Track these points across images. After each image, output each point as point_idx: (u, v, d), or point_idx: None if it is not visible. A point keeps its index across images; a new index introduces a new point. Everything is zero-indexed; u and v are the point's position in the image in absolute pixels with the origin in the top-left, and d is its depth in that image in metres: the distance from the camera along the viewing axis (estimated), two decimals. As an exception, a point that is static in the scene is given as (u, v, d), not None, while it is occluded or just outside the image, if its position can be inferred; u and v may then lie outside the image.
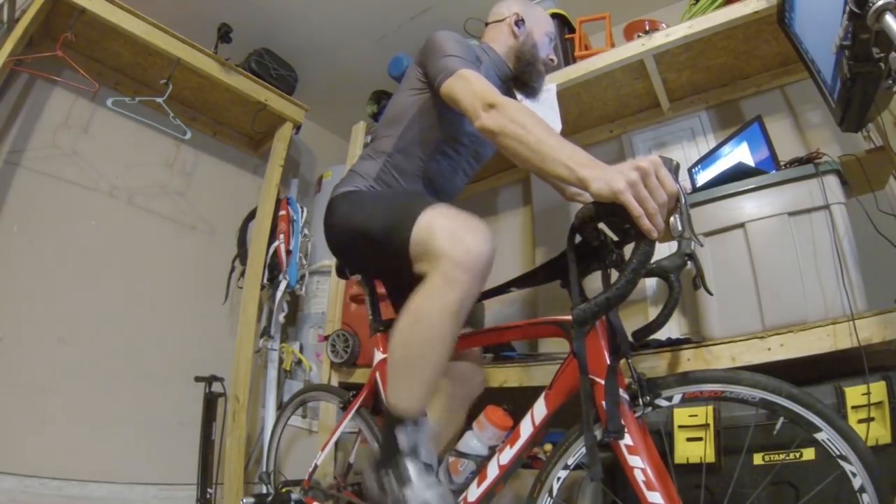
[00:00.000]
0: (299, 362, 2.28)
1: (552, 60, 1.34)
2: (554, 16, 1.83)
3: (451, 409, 1.31)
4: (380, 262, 1.15)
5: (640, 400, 0.89)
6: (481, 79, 1.02)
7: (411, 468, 0.91)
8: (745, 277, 1.21)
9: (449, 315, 0.86)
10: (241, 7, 2.26)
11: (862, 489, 0.76)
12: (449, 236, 0.86)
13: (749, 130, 1.49)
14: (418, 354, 0.90)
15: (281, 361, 2.31)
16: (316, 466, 1.45)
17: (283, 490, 1.47)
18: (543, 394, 0.98)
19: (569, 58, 1.92)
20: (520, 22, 1.33)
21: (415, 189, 1.26)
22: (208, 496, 1.98)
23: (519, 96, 1.42)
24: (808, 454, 0.97)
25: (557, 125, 1.72)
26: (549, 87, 1.75)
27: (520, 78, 1.33)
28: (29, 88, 1.96)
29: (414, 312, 0.89)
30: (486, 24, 1.41)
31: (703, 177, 1.61)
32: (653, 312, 1.71)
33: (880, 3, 0.65)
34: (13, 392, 1.76)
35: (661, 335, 1.21)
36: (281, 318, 2.29)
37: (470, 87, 1.00)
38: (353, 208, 1.14)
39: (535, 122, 0.87)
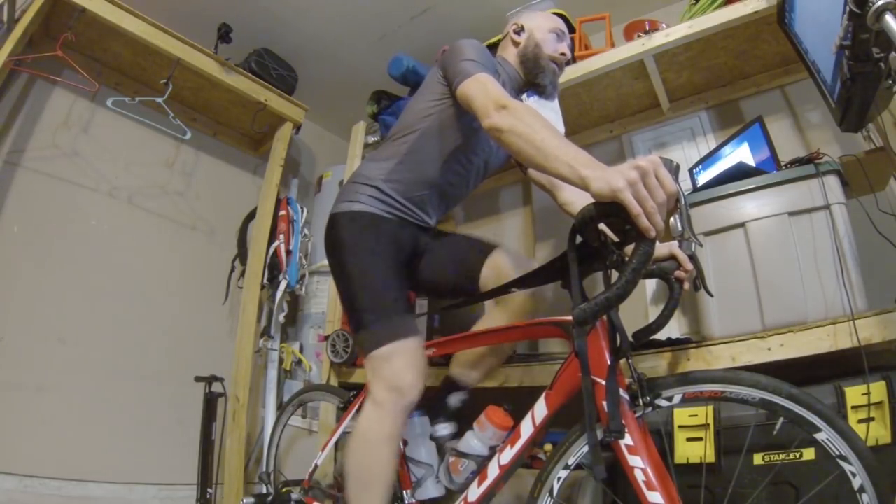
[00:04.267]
0: (299, 362, 2.28)
1: (563, 55, 1.33)
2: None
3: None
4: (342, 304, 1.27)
5: (641, 400, 0.89)
6: (496, 83, 1.05)
7: None
8: (746, 277, 1.21)
9: (387, 440, 1.05)
10: (241, 7, 2.25)
11: (862, 489, 0.76)
12: (389, 387, 1.05)
13: (750, 131, 1.49)
14: (369, 474, 1.07)
15: (281, 361, 2.31)
16: (316, 466, 1.45)
17: (283, 490, 1.47)
18: (544, 394, 0.98)
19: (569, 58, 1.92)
20: (519, 30, 1.36)
21: (418, 202, 1.27)
22: (208, 496, 1.98)
23: (532, 99, 1.43)
24: (808, 454, 0.98)
25: (560, 128, 1.73)
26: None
27: (528, 79, 1.33)
28: (29, 88, 1.96)
29: (362, 437, 1.08)
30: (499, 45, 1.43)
31: (704, 177, 1.61)
32: (653, 313, 1.71)
33: (880, 3, 0.65)
34: (13, 392, 1.76)
35: (662, 335, 1.21)
36: (281, 318, 2.29)
37: (484, 89, 1.03)
38: (349, 249, 1.18)
39: (542, 123, 0.90)
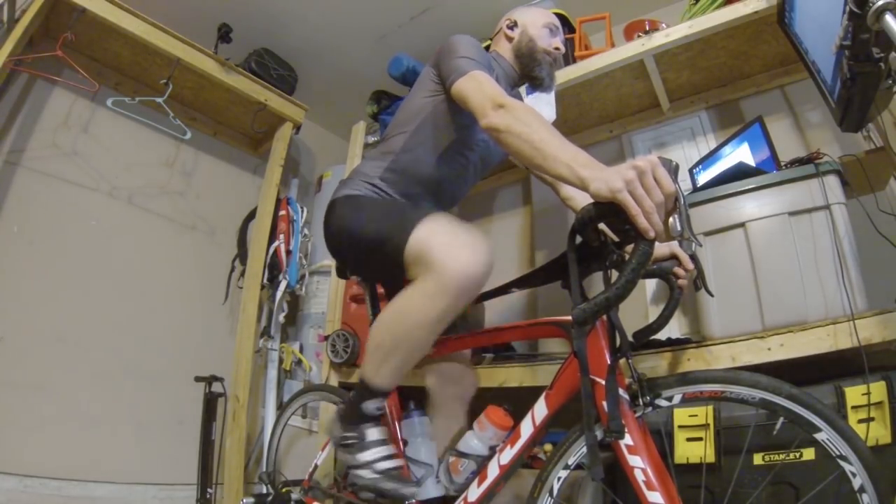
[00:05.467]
0: (299, 362, 2.28)
1: (557, 49, 1.33)
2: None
3: (447, 410, 1.31)
4: (376, 266, 1.18)
5: (641, 400, 0.89)
6: (492, 81, 1.05)
7: (369, 434, 1.06)
8: (746, 277, 1.21)
9: (430, 322, 0.91)
10: (241, 7, 2.26)
11: (862, 489, 0.76)
12: (445, 250, 0.88)
13: (750, 131, 1.49)
14: (395, 345, 0.97)
15: (281, 361, 2.31)
16: (316, 466, 1.45)
17: (283, 490, 1.47)
18: (544, 394, 0.98)
19: (569, 58, 1.92)
20: (512, 25, 1.36)
21: (415, 200, 1.27)
22: (208, 496, 1.98)
23: (529, 96, 1.43)
24: (808, 454, 0.97)
25: (552, 115, 1.72)
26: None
27: (525, 74, 1.33)
28: (29, 88, 1.96)
29: (400, 309, 0.96)
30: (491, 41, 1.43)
31: (704, 177, 1.61)
32: (653, 313, 1.71)
33: (880, 3, 0.65)
34: (13, 392, 1.76)
35: (662, 335, 1.21)
36: (281, 318, 2.29)
37: (480, 87, 1.02)
38: (352, 213, 1.15)
39: (541, 123, 0.89)
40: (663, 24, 1.69)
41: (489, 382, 1.52)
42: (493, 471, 1.02)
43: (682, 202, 0.71)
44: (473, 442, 1.14)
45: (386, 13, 2.31)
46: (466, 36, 1.19)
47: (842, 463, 0.78)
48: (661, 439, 1.03)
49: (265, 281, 2.24)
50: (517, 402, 1.14)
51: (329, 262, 2.27)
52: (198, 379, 2.10)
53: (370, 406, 1.06)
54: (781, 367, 1.09)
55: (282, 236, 2.31)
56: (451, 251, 0.88)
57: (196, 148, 2.45)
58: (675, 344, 1.30)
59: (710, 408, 1.07)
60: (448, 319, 0.92)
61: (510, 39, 1.35)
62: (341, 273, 1.36)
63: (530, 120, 0.89)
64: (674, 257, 1.09)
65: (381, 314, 1.02)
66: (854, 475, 0.77)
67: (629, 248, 0.75)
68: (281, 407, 1.90)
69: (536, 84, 1.34)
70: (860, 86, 0.83)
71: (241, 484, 1.99)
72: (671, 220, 0.72)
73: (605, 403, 0.85)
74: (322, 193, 2.56)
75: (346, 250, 1.22)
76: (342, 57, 2.58)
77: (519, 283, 1.09)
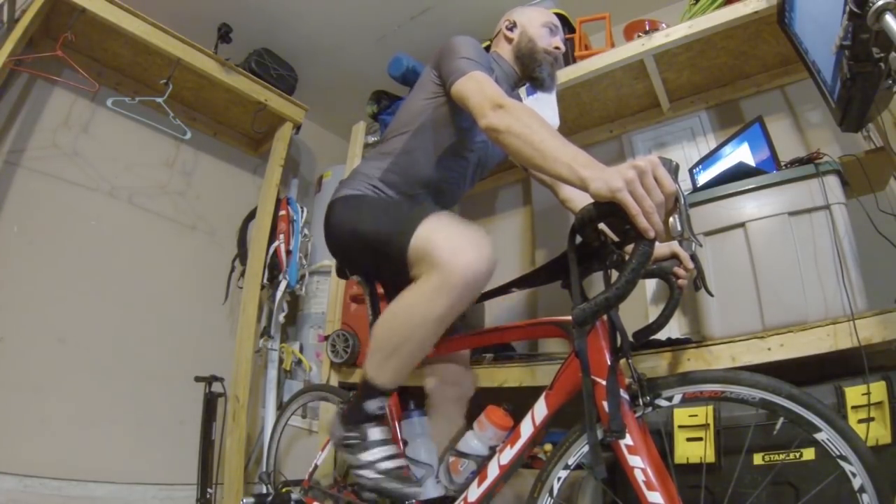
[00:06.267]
0: (299, 362, 2.28)
1: (557, 48, 1.33)
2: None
3: (446, 411, 1.31)
4: (377, 265, 1.18)
5: (641, 400, 0.89)
6: (491, 81, 1.05)
7: (371, 434, 1.05)
8: (746, 277, 1.21)
9: (434, 320, 0.91)
10: (241, 7, 2.26)
11: (862, 489, 0.76)
12: (450, 248, 0.89)
13: (750, 131, 1.49)
14: (399, 344, 0.97)
15: (281, 361, 2.32)
16: (316, 466, 1.45)
17: (283, 490, 1.47)
18: (544, 394, 0.98)
19: (569, 58, 1.92)
20: (511, 26, 1.36)
21: (414, 200, 1.27)
22: (208, 496, 1.97)
23: (529, 96, 1.42)
24: (808, 454, 0.98)
25: (556, 121, 1.73)
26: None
27: (525, 74, 1.33)
28: (29, 88, 1.96)
29: (403, 308, 0.96)
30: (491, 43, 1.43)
31: (704, 177, 1.61)
32: (653, 313, 1.71)
33: (880, 3, 0.65)
34: (13, 392, 1.76)
35: (662, 335, 1.21)
36: (281, 318, 2.29)
37: (480, 88, 1.02)
38: (353, 212, 1.15)
39: (540, 124, 0.89)
40: (663, 24, 1.69)
41: (489, 382, 1.52)
42: (493, 471, 1.02)
43: (683, 202, 0.71)
44: (473, 442, 1.14)
45: (386, 13, 2.31)
46: (467, 37, 1.19)
47: (842, 463, 0.78)
48: (661, 439, 1.03)
49: (265, 281, 2.24)
50: (517, 402, 1.14)
51: (329, 262, 2.27)
52: (198, 379, 2.10)
53: (372, 405, 1.05)
54: (781, 367, 1.09)
55: (282, 236, 2.31)
56: (456, 249, 0.88)
57: (196, 148, 2.45)
58: (675, 344, 1.30)
59: (710, 408, 1.07)
60: (452, 318, 0.92)
61: (510, 41, 1.35)
62: (341, 273, 1.36)
63: (530, 121, 0.89)
64: (674, 257, 1.09)
65: (383, 313, 1.01)
66: (854, 475, 0.77)
67: (629, 248, 0.75)
68: (281, 407, 1.90)
69: (537, 84, 1.34)
70: (860, 86, 0.83)
71: (241, 484, 1.99)
72: (671, 219, 0.72)
73: (605, 403, 0.85)
74: (322, 193, 2.56)
75: (348, 249, 1.21)
76: (342, 57, 2.58)
77: (519, 283, 1.09)
